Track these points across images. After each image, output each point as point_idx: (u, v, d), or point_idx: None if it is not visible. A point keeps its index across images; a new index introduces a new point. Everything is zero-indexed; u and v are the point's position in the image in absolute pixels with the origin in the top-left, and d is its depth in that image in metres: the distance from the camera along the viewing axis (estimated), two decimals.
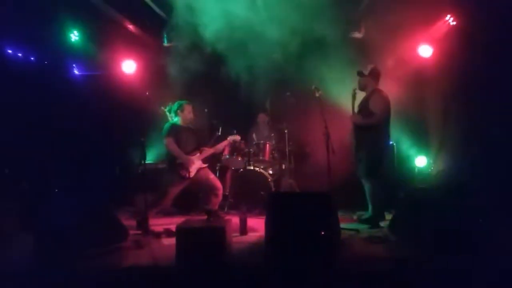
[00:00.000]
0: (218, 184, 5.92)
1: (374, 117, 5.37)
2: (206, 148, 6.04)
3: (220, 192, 5.89)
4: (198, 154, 5.89)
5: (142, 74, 7.57)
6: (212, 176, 5.98)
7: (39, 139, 6.84)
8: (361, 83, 5.65)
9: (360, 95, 5.75)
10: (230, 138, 6.38)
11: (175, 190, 5.74)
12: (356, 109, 5.67)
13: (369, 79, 5.58)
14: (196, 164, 5.79)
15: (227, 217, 5.80)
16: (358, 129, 5.57)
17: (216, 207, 5.95)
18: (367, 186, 5.53)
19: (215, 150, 6.14)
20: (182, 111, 5.93)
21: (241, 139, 6.80)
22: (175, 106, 5.96)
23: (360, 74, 5.64)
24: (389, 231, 4.72)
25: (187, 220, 4.64)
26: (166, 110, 6.04)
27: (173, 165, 5.67)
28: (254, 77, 7.65)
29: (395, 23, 6.55)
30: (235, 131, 6.96)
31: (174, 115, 5.96)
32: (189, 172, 5.66)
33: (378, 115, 5.35)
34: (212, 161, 7.12)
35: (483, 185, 4.87)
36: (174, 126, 5.83)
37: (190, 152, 5.80)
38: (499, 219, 4.57)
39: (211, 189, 5.85)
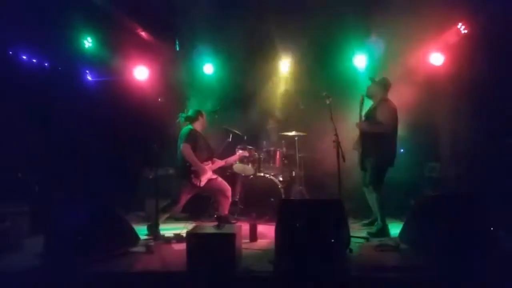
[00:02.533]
0: (226, 185, 5.94)
1: (382, 126, 5.34)
2: (217, 160, 6.07)
3: (229, 193, 5.90)
4: (210, 164, 5.90)
5: (155, 80, 7.64)
6: (220, 179, 5.99)
7: (51, 144, 6.92)
8: (371, 90, 5.66)
9: (367, 103, 5.74)
10: (240, 153, 6.50)
11: (186, 197, 5.75)
12: (363, 117, 5.66)
13: (379, 88, 5.59)
14: (208, 174, 5.78)
15: (237, 223, 5.83)
16: (365, 137, 5.53)
17: (227, 211, 5.96)
18: (373, 195, 5.46)
19: (225, 163, 6.19)
20: (198, 118, 5.94)
21: (251, 145, 6.82)
22: (191, 113, 5.96)
23: (371, 80, 5.67)
24: (400, 239, 4.69)
25: (197, 226, 4.66)
26: (180, 117, 6.02)
27: (187, 171, 5.64)
28: (264, 82, 7.72)
29: (407, 31, 6.56)
30: (245, 138, 7.00)
31: (190, 122, 5.93)
32: (200, 181, 5.65)
33: (385, 124, 5.33)
34: (222, 168, 7.16)
35: (494, 193, 4.83)
36: (194, 132, 5.79)
37: (204, 161, 5.79)
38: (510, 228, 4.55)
39: (221, 191, 5.86)
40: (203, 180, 5.69)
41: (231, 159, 6.34)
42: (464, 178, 6.42)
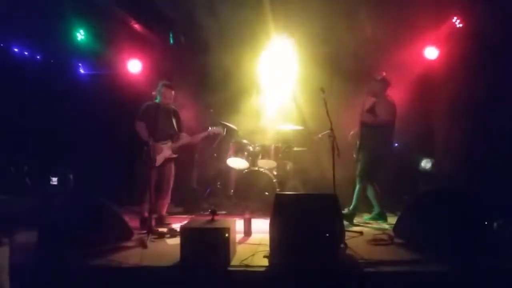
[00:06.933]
0: (167, 186, 5.70)
1: (381, 118, 5.60)
2: (183, 135, 5.76)
3: (166, 195, 5.69)
4: (170, 143, 5.62)
5: (148, 74, 7.58)
6: (172, 173, 5.72)
7: (44, 137, 6.87)
8: (373, 88, 5.81)
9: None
10: (210, 130, 6.05)
11: (148, 179, 5.26)
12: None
13: (380, 86, 5.75)
14: (164, 152, 5.53)
15: (231, 217, 5.82)
16: (364, 131, 5.75)
17: (164, 212, 5.75)
18: (357, 186, 5.84)
19: (191, 139, 5.89)
20: (159, 93, 5.54)
21: (246, 139, 6.78)
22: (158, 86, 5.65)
23: (373, 79, 5.81)
24: (394, 233, 4.70)
25: (191, 220, 4.65)
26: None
27: (140, 151, 5.38)
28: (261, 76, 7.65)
29: (402, 25, 6.55)
30: (238, 131, 6.97)
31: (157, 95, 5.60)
32: (154, 160, 5.36)
33: (385, 119, 5.58)
34: (216, 161, 7.13)
35: (488, 188, 4.85)
36: (149, 108, 5.46)
37: (162, 139, 5.53)
38: (504, 221, 4.56)
39: (161, 188, 5.62)
40: (159, 159, 5.45)
41: (199, 135, 6.00)
42: (458, 172, 6.45)
